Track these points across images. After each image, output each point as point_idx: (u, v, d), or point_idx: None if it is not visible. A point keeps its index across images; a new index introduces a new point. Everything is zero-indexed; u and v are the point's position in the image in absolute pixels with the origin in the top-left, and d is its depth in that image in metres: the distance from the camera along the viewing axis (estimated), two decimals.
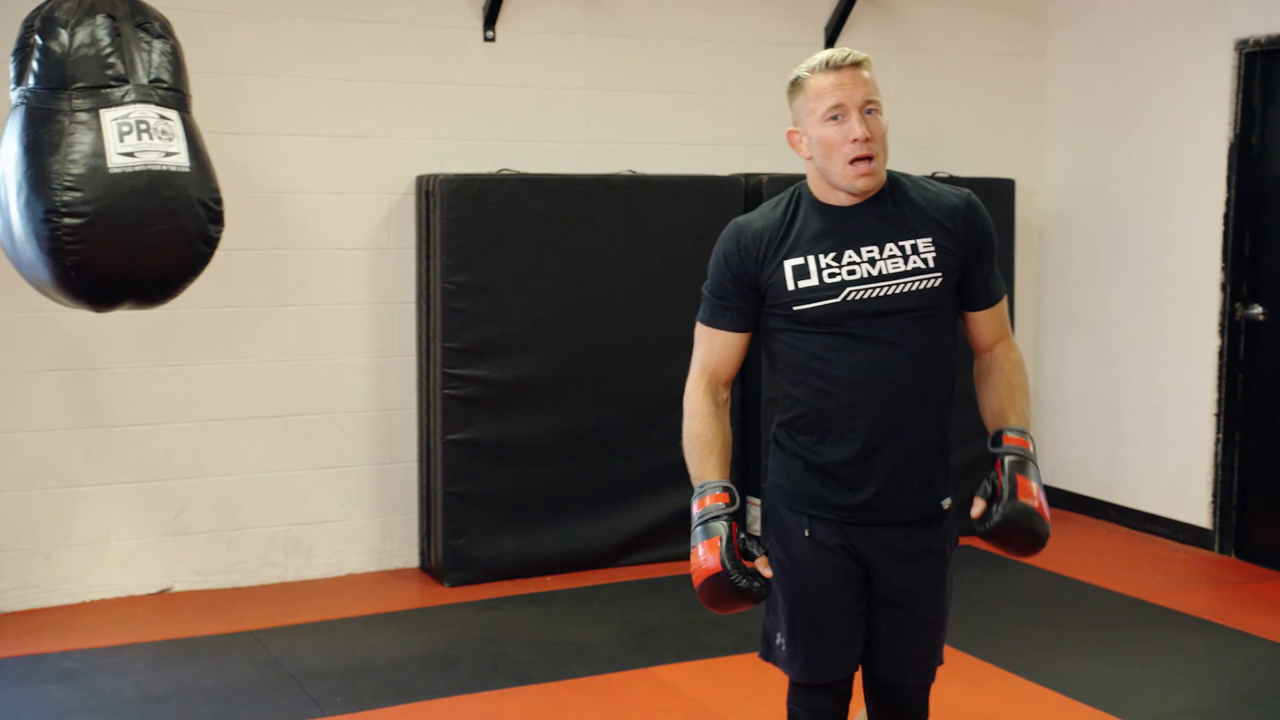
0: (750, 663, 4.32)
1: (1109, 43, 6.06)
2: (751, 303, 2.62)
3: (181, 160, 3.67)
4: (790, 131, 2.63)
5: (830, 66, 2.55)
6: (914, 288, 2.55)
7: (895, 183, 2.63)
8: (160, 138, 3.62)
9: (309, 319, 5.13)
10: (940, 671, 2.77)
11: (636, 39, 5.54)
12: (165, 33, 3.76)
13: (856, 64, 2.55)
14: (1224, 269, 5.56)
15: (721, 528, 2.51)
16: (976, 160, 6.12)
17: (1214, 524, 5.65)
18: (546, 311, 5.15)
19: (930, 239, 2.57)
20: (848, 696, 2.73)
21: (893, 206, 2.59)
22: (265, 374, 5.07)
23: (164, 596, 4.96)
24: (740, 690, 4.09)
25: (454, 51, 5.25)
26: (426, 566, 5.29)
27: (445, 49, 5.23)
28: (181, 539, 5.00)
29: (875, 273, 2.54)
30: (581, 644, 4.49)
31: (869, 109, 2.53)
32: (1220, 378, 5.59)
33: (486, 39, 5.29)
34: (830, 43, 5.83)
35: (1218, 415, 5.61)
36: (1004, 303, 2.71)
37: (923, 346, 2.56)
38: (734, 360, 2.68)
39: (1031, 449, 2.58)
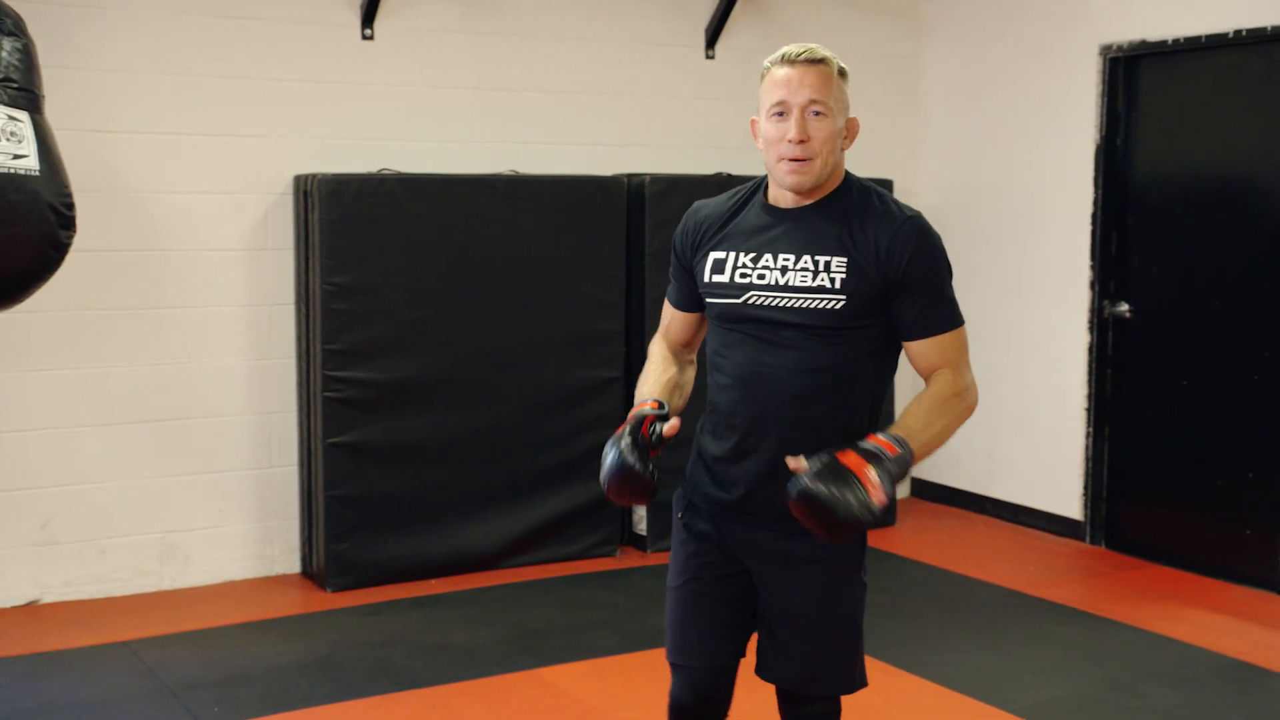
0: (636, 662, 4.34)
1: (981, 46, 6.20)
2: (690, 284, 2.69)
3: (31, 163, 3.55)
4: (752, 120, 2.61)
5: (785, 60, 2.51)
6: (812, 305, 2.48)
7: (849, 194, 2.56)
8: (9, 139, 3.50)
9: (184, 321, 5.01)
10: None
11: (518, 38, 5.51)
12: (18, 30, 3.63)
13: (812, 61, 2.48)
14: (1093, 268, 5.72)
15: (636, 416, 2.53)
16: (855, 161, 6.09)
17: (1085, 515, 5.82)
18: (428, 312, 5.10)
19: (846, 259, 2.47)
20: (714, 699, 2.69)
21: (830, 218, 2.52)
22: (138, 378, 4.94)
23: (31, 609, 4.80)
24: (626, 690, 4.10)
25: (332, 49, 5.17)
26: (308, 572, 5.20)
27: (323, 47, 5.15)
28: (50, 549, 4.84)
29: (783, 282, 2.50)
30: (467, 647, 4.45)
31: (815, 110, 2.47)
32: (1090, 373, 5.76)
33: (365, 37, 5.22)
34: (710, 44, 5.88)
35: (1088, 410, 5.78)
36: (950, 337, 2.52)
37: (812, 361, 2.50)
38: (681, 335, 2.77)
39: (897, 451, 2.36)
